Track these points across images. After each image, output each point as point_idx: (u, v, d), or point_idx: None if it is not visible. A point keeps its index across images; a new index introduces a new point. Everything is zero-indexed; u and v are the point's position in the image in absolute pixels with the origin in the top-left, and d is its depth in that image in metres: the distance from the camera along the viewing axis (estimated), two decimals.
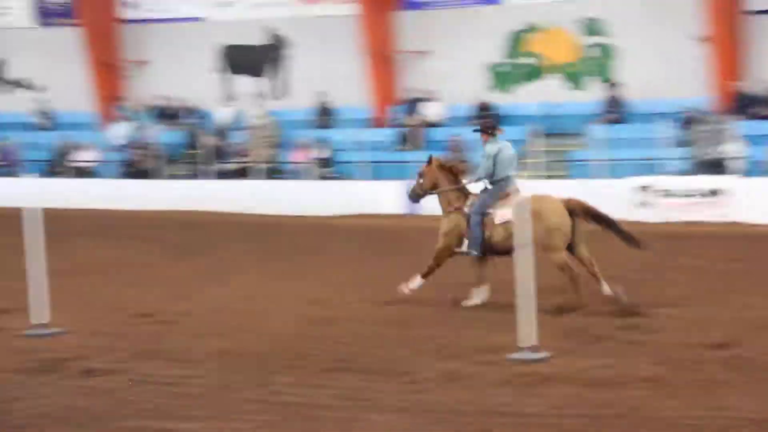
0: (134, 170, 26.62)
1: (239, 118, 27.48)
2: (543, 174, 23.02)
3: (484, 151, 12.47)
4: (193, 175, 26.07)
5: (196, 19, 28.68)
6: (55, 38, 29.45)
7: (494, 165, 12.38)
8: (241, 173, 25.83)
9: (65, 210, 22.71)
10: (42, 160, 27.51)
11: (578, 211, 12.05)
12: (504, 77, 26.08)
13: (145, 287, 14.11)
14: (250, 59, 28.21)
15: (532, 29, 25.74)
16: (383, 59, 26.64)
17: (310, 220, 22.76)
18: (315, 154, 25.30)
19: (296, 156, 25.72)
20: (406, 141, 25.35)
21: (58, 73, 29.30)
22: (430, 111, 25.91)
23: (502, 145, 12.53)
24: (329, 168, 25.21)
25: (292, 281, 14.39)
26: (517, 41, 25.90)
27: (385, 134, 25.86)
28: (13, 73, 30.18)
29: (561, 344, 9.94)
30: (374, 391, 8.67)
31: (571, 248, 12.01)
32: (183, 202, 24.67)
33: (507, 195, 12.32)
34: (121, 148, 27.43)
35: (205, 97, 28.03)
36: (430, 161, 12.95)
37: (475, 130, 12.76)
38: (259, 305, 12.66)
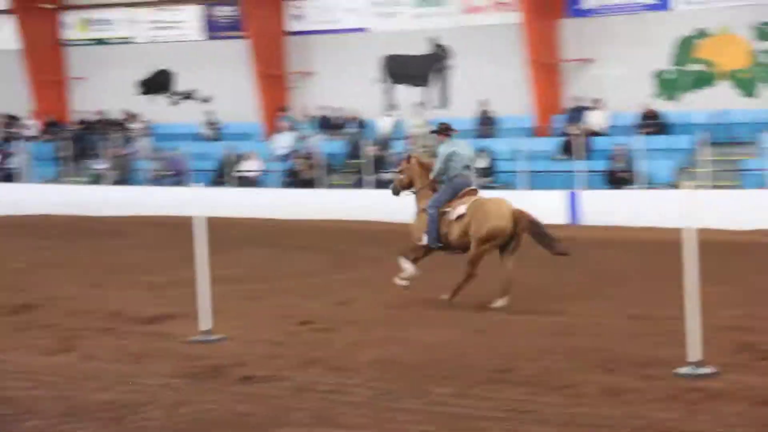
0: (297, 180, 27.00)
1: (400, 128, 27.58)
2: (711, 183, 22.33)
3: (439, 151, 13.44)
4: (355, 185, 26.27)
5: (359, 30, 28.93)
6: (222, 51, 30.15)
7: (447, 164, 13.30)
8: None
9: (230, 219, 23.21)
10: (209, 170, 28.17)
11: (523, 224, 12.87)
12: (671, 84, 25.44)
13: (307, 295, 14.24)
14: (412, 69, 28.29)
15: (701, 35, 25.04)
16: (547, 67, 26.33)
17: None
18: (475, 163, 25.12)
19: None
20: (568, 150, 24.98)
21: (225, 84, 29.99)
22: (594, 120, 25.48)
23: (457, 146, 13.46)
24: (489, 177, 25.03)
25: (448, 290, 14.27)
26: (685, 47, 25.23)
27: (548, 143, 25.55)
28: (182, 85, 31.03)
29: (730, 360, 9.58)
30: (536, 404, 8.50)
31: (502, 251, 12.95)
32: (345, 211, 24.88)
33: (463, 194, 13.21)
34: (285, 157, 27.86)
35: (368, 106, 28.24)
36: (409, 159, 13.89)
37: (431, 132, 14.10)
38: (416, 314, 12.61)
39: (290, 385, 9.34)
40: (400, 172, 14.03)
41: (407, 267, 13.42)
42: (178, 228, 20.58)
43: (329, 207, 25.29)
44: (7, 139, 30.85)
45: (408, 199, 14.00)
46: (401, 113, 28.03)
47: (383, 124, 27.95)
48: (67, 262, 18.24)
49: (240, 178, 27.57)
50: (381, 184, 25.85)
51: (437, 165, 13.41)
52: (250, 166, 27.87)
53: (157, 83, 31.24)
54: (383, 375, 9.57)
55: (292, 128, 28.70)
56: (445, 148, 13.43)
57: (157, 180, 28.37)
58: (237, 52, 29.54)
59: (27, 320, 12.63)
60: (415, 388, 9.05)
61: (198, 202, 11.79)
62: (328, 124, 28.57)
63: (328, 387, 9.22)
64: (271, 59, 29.42)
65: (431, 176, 13.52)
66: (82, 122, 31.34)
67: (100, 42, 31.98)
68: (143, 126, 30.33)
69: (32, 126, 31.63)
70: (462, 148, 13.51)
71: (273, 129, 29.14)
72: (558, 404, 8.49)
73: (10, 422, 8.35)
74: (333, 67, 29.03)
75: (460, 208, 13.07)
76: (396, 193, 14.13)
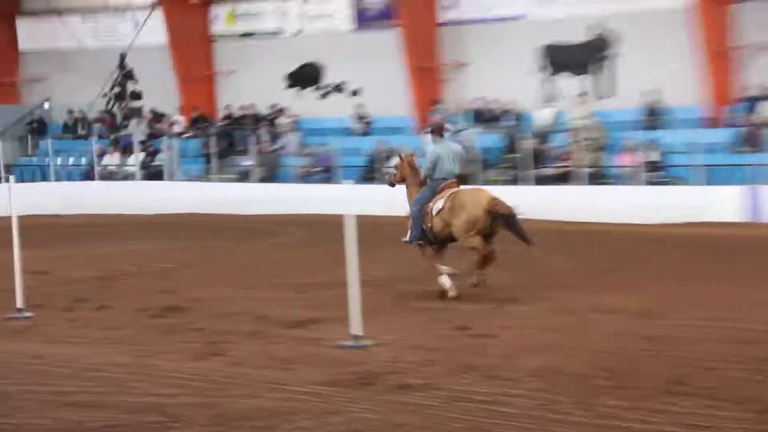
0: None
1: (560, 120, 27.21)
2: None
3: (428, 150, 14.75)
4: (512, 181, 26.03)
5: (516, 18, 28.67)
6: (373, 42, 30.28)
7: (436, 163, 14.45)
8: (562, 178, 25.54)
9: (380, 217, 23.24)
10: (358, 166, 28.33)
11: (496, 212, 14.01)
12: None
13: (462, 298, 14.10)
14: (573, 58, 27.88)
15: None
16: (719, 55, 25.62)
17: (636, 228, 22.16)
18: (643, 157, 24.63)
19: (622, 159, 25.15)
20: (744, 142, 24.22)
21: (375, 77, 30.10)
22: None
23: (447, 145, 14.74)
24: (659, 172, 24.47)
25: (615, 295, 13.98)
26: None
27: (721, 135, 24.83)
28: (331, 78, 31.28)
29: None
30: (716, 418, 8.16)
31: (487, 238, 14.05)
32: None
33: (442, 189, 14.40)
34: None
35: (525, 98, 27.96)
36: (402, 158, 15.22)
37: (425, 132, 14.27)
38: (581, 320, 12.36)
39: (446, 394, 9.22)
40: (395, 168, 15.61)
41: (444, 278, 14.27)
42: (326, 227, 20.73)
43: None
44: (155, 136, 31.62)
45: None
46: (561, 104, 27.65)
47: (542, 117, 27.62)
48: (213, 262, 18.54)
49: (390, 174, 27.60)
50: (540, 180, 25.56)
51: (426, 165, 14.60)
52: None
53: (306, 76, 31.58)
54: (546, 385, 9.36)
55: (445, 122, 28.61)
56: (434, 148, 14.65)
57: (306, 177, 28.67)
58: (388, 43, 29.62)
59: (174, 323, 12.83)
60: (580, 400, 8.81)
61: (347, 199, 11.77)
62: (482, 118, 28.40)
63: (486, 397, 9.06)
64: (424, 50, 29.40)
65: (421, 176, 14.74)
66: (229, 118, 31.92)
67: (247, 35, 32.52)
68: (291, 121, 30.71)
69: (179, 122, 32.36)
70: (451, 148, 14.77)
71: (425, 123, 29.10)
72: (741, 419, 8.14)
73: (157, 429, 8.45)
74: (488, 57, 28.85)
75: (439, 203, 14.31)
76: (392, 185, 15.53)
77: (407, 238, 14.70)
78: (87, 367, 10.66)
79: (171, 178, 30.12)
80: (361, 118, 30.16)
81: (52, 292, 15.18)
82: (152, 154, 31.17)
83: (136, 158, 31.09)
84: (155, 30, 32.87)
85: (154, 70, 32.80)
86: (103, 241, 21.71)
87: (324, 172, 28.41)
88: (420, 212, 14.46)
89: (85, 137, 32.71)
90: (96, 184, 30.51)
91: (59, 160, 31.56)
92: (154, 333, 12.31)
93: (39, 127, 34.17)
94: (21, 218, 13.88)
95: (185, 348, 11.38)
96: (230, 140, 30.89)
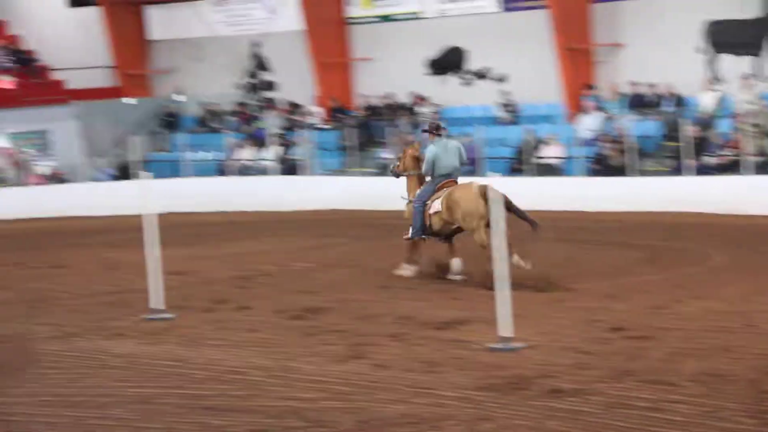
0: (604, 166, 26.75)
1: (725, 105, 26.78)
2: None
3: (427, 150, 16.25)
4: (672, 171, 25.75)
5: None
6: (520, 23, 30.22)
7: (434, 161, 16.09)
8: (728, 168, 25.16)
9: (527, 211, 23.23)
10: (505, 157, 28.35)
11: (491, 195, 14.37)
12: None
13: (617, 298, 14.10)
14: (741, 36, 27.34)
15: None
16: None
17: None
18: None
19: None
20: None
21: (522, 61, 30.04)
22: None
23: (445, 144, 16.32)
24: None
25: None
26: None
27: None
28: (476, 63, 31.31)
29: None
30: None
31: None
32: (659, 202, 24.43)
33: (441, 186, 16.07)
34: (591, 141, 27.66)
35: (686, 81, 27.57)
36: (406, 150, 17.06)
37: (423, 131, 17.00)
38: (746, 320, 12.24)
39: (602, 399, 9.28)
40: (398, 158, 17.39)
41: (407, 269, 16.39)
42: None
43: (641, 197, 24.91)
44: (290, 128, 32.16)
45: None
46: (727, 87, 27.19)
47: (706, 101, 27.22)
48: (354, 261, 18.82)
49: (540, 165, 27.60)
50: (703, 170, 25.24)
51: (426, 164, 16.25)
52: (552, 152, 27.84)
53: (449, 62, 31.67)
54: (710, 391, 9.35)
55: (599, 108, 28.45)
56: (433, 148, 16.23)
57: None
58: (536, 23, 29.56)
59: (315, 325, 13.14)
60: (749, 407, 8.78)
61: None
62: (640, 103, 28.13)
63: (645, 403, 9.10)
64: (575, 30, 29.24)
65: (421, 172, 16.45)
66: (367, 107, 32.27)
67: (386, 19, 32.78)
68: (433, 110, 30.88)
69: (316, 113, 32.84)
70: (450, 147, 16.36)
71: (577, 109, 28.99)
72: None
73: None
74: (645, 37, 28.54)
75: (436, 204, 15.98)
76: (396, 176, 17.21)
77: (409, 234, 16.33)
78: (226, 370, 11.02)
79: (308, 173, 30.59)
80: (507, 105, 30.17)
81: (190, 293, 15.67)
82: (288, 147, 31.72)
83: (272, 152, 31.66)
84: (289, 15, 33.43)
85: (288, 58, 33.34)
86: (239, 239, 22.22)
87: (468, 165, 28.45)
88: (422, 208, 16.12)
89: (218, 130, 33.45)
90: (230, 180, 31.21)
91: (192, 155, 32.29)
92: (294, 335, 12.63)
93: (171, 121, 35.06)
94: (155, 216, 14.36)
95: (326, 350, 11.67)
96: (369, 131, 31.23)
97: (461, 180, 16.51)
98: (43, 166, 32.88)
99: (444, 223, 15.98)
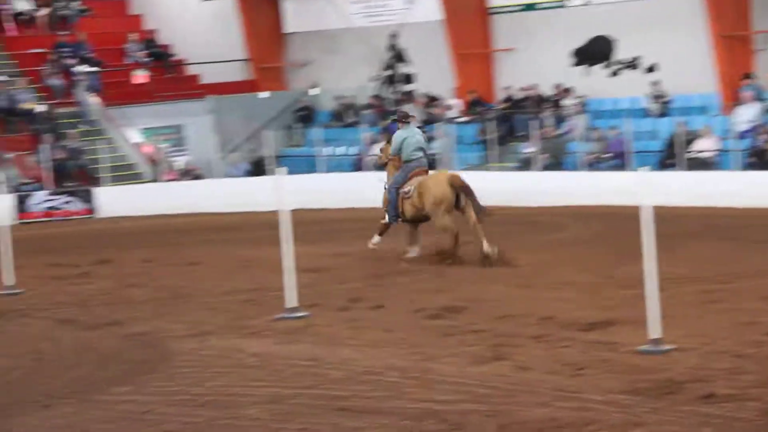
0: (763, 160, 26.22)
1: None
2: None
3: (395, 136, 18.59)
4: None
5: None
6: (671, 9, 29.75)
7: (401, 148, 18.41)
8: None
9: (679, 208, 22.92)
10: (655, 151, 27.95)
11: (456, 185, 17.99)
12: None
13: None
14: None
15: None
16: None
17: None
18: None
19: None
20: None
21: (674, 49, 29.57)
22: None
23: (412, 132, 18.68)
24: None
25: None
26: None
27: None
28: (624, 52, 30.95)
29: None
30: None
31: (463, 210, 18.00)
32: None
33: (413, 175, 18.34)
34: (747, 134, 27.13)
35: None
36: (388, 141, 19.03)
37: (392, 119, 19.57)
38: None
39: (759, 406, 9.11)
40: (381, 150, 19.78)
41: (376, 239, 18.85)
42: (619, 219, 20.62)
43: None
44: (428, 122, 32.19)
45: None
46: None
47: None
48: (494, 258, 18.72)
49: (692, 159, 27.16)
50: None
51: (392, 147, 18.63)
52: (705, 146, 27.39)
53: (595, 52, 31.37)
54: None
55: (757, 98, 27.87)
56: (400, 134, 18.56)
57: (595, 164, 28.55)
58: (688, 10, 29.10)
59: (452, 324, 13.14)
60: None
61: (643, 188, 11.73)
62: None
63: None
64: (732, 17, 28.66)
65: (388, 155, 18.80)
66: (508, 100, 32.13)
67: (528, 7, 32.60)
68: (578, 102, 30.64)
69: (455, 106, 32.85)
70: (415, 133, 18.73)
71: (733, 100, 28.43)
72: None
73: None
74: None
75: (409, 190, 18.24)
76: (379, 167, 20.17)
77: (386, 219, 18.66)
78: (361, 371, 11.10)
79: (446, 168, 30.58)
80: (657, 97, 29.75)
81: (325, 291, 15.81)
82: (425, 141, 31.71)
83: None
84: (428, 5, 33.45)
85: (426, 50, 33.40)
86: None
87: (616, 159, 28.21)
88: (395, 195, 18.38)
89: (354, 125, 33.66)
90: (365, 175, 31.36)
91: (327, 150, 32.54)
92: (431, 335, 12.65)
93: (307, 115, 35.41)
94: (289, 213, 14.51)
95: (465, 351, 11.66)
96: (510, 125, 31.10)
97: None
98: (178, 162, 33.54)
99: (416, 209, 18.27)
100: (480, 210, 17.96)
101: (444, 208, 17.92)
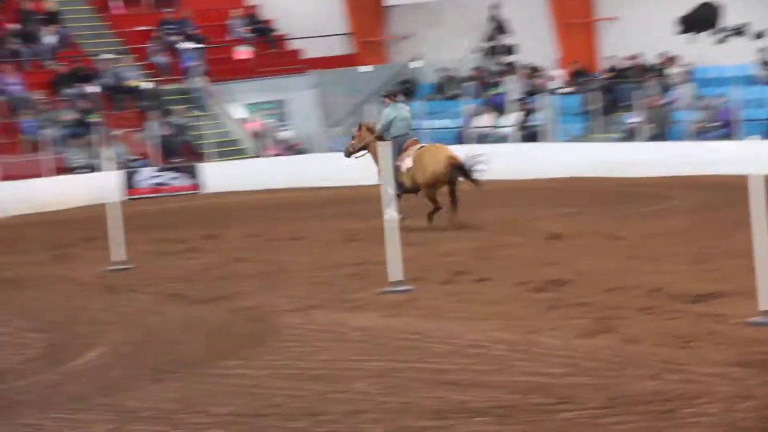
0: None
1: None
2: None
3: (384, 113, 20.00)
4: None
5: None
6: None
7: (390, 124, 19.73)
8: None
9: None
10: (764, 119, 27.47)
11: (454, 163, 19.31)
12: None
13: None
14: None
15: None
16: None
17: None
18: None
19: None
20: None
21: None
22: None
23: (400, 108, 20.04)
24: None
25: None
26: None
27: None
28: (731, 18, 30.43)
29: None
30: None
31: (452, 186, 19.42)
32: None
33: (408, 146, 19.66)
34: None
35: None
36: (360, 128, 20.54)
37: (381, 96, 21.35)
38: None
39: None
40: (353, 138, 20.68)
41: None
42: (727, 190, 20.34)
43: None
44: (531, 93, 32.01)
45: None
46: None
47: None
48: (597, 230, 18.58)
49: None
50: None
51: (381, 123, 19.89)
52: None
53: (702, 19, 30.88)
54: None
55: None
56: (389, 111, 19.86)
57: (701, 133, 28.17)
58: None
59: (558, 297, 13.06)
60: None
61: (752, 157, 11.54)
62: None
63: None
64: None
65: (376, 132, 19.82)
66: (612, 70, 31.80)
67: None
68: (684, 71, 30.22)
69: (557, 77, 32.59)
70: (404, 111, 20.07)
71: None
72: None
73: (546, 412, 8.69)
74: None
75: (407, 161, 19.47)
76: (347, 155, 20.69)
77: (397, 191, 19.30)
78: (467, 344, 11.09)
79: (549, 139, 30.40)
80: (766, 64, 29.23)
81: (429, 264, 15.81)
82: (528, 113, 31.58)
83: (511, 118, 31.59)
84: None
85: (528, 20, 33.16)
86: (472, 209, 22.00)
87: (723, 128, 27.78)
88: (394, 168, 18.06)
89: (456, 97, 33.56)
90: (468, 148, 31.23)
91: (429, 123, 32.49)
92: (536, 308, 12.59)
93: (408, 88, 35.35)
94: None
95: (571, 324, 11.58)
96: (614, 95, 30.76)
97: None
98: (281, 137, 33.76)
99: (413, 181, 19.53)
100: (476, 183, 19.45)
101: (436, 186, 19.53)
